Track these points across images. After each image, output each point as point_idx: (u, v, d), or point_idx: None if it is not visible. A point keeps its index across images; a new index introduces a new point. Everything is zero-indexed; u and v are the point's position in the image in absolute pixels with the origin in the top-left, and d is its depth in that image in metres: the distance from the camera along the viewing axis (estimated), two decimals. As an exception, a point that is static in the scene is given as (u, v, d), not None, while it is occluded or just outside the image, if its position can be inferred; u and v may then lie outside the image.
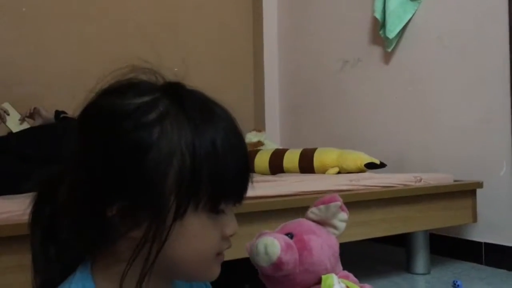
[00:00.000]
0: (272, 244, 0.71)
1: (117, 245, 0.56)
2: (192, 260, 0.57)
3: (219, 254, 0.60)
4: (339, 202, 0.78)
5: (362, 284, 0.77)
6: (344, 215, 0.79)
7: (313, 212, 0.78)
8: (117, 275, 0.56)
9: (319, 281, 0.72)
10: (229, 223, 0.59)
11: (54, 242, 0.59)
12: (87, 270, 0.58)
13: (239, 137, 0.59)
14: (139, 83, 0.58)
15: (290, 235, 0.74)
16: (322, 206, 0.78)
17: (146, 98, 0.55)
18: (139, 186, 0.53)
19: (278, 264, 0.69)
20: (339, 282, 0.70)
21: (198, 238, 0.56)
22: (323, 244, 0.74)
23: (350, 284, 0.72)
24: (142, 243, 0.54)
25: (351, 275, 0.79)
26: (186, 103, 0.56)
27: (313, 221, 0.78)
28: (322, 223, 0.78)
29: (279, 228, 0.79)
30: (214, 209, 0.57)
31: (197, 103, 0.58)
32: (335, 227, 0.78)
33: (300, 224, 0.76)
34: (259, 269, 0.73)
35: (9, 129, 2.08)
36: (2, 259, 1.12)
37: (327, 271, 0.74)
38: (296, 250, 0.72)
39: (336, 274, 0.75)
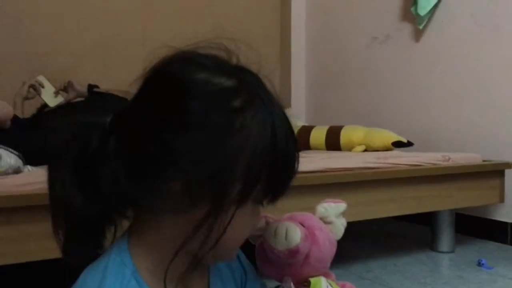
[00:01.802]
0: (294, 230, 0.70)
1: (162, 221, 0.57)
2: (229, 244, 0.59)
3: None
4: (346, 205, 0.78)
5: (343, 283, 0.78)
6: (345, 221, 0.78)
7: (323, 206, 0.78)
8: (156, 252, 0.58)
9: (312, 276, 0.72)
10: (260, 213, 0.62)
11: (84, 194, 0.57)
12: (125, 244, 0.59)
13: (293, 130, 0.60)
14: (216, 59, 0.58)
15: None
16: (332, 204, 0.78)
17: (227, 82, 0.55)
18: (211, 168, 0.53)
19: (294, 252, 0.69)
20: (327, 286, 0.70)
21: (240, 226, 0.58)
22: (327, 241, 0.74)
23: (335, 286, 0.72)
24: (200, 225, 0.54)
25: (332, 275, 0.79)
26: (262, 94, 0.57)
27: (320, 218, 0.77)
28: (326, 222, 0.78)
29: (286, 217, 0.77)
30: (261, 201, 0.59)
31: (268, 95, 0.58)
32: (336, 230, 0.77)
33: (309, 217, 0.76)
34: (269, 250, 0.72)
35: (44, 101, 2.14)
36: (44, 226, 1.17)
37: (325, 270, 0.74)
38: (310, 243, 0.72)
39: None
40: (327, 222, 0.76)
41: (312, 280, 0.70)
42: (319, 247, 0.72)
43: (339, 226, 0.76)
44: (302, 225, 0.73)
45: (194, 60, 0.57)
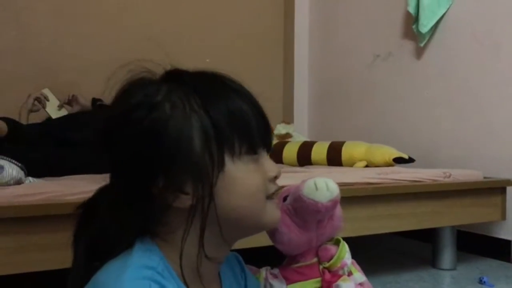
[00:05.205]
0: (332, 181, 0.77)
1: (168, 217, 0.60)
2: (245, 205, 0.61)
3: (269, 197, 0.64)
4: None
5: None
6: None
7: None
8: (175, 244, 0.60)
9: (329, 240, 0.78)
10: (270, 167, 0.64)
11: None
12: (147, 239, 0.61)
13: (247, 91, 0.63)
14: (138, 80, 0.63)
15: None
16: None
17: (149, 88, 0.61)
18: (172, 158, 0.58)
19: (335, 201, 0.75)
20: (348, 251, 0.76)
21: (243, 183, 0.60)
22: None
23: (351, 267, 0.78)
24: (195, 204, 0.58)
25: None
26: (186, 78, 0.62)
27: None
28: None
29: (294, 186, 0.82)
30: (250, 151, 0.61)
31: (196, 74, 0.63)
32: None
33: None
34: (311, 207, 0.76)
35: (48, 114, 2.16)
36: (44, 237, 1.18)
37: (339, 231, 0.81)
38: None
39: None
40: None
41: (342, 242, 0.76)
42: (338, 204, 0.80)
43: None
44: None
45: (122, 95, 0.63)
